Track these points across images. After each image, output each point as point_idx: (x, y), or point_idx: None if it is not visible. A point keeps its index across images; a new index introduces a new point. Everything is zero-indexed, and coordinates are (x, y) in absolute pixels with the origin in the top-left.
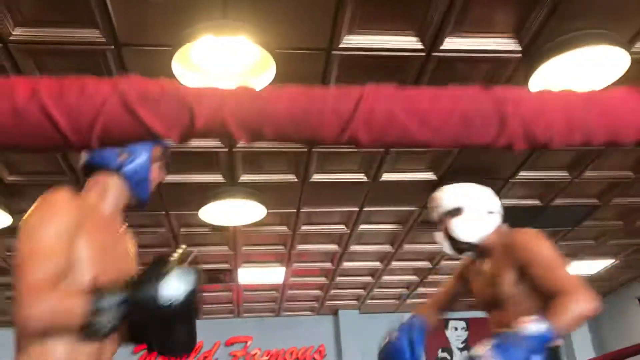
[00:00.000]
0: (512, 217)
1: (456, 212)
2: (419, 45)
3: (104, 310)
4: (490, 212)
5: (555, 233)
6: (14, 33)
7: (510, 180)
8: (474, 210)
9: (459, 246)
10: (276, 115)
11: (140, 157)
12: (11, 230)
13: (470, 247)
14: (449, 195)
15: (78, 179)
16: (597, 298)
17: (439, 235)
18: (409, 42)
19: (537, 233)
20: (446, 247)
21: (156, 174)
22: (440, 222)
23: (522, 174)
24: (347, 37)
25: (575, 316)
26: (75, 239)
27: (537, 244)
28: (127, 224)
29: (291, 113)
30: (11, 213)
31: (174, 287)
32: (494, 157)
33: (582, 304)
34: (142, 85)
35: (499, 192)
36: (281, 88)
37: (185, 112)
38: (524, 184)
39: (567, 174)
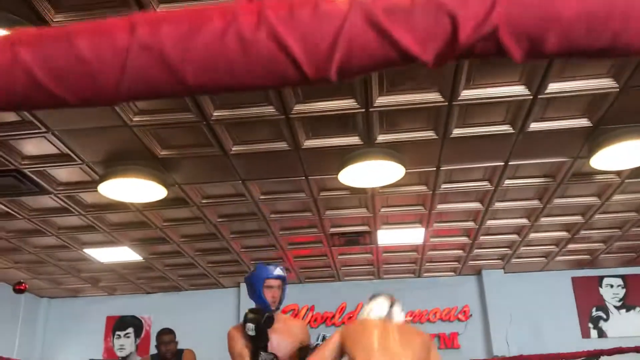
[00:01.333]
0: None
1: None
2: None
3: None
4: None
5: None
6: None
7: None
8: None
9: None
10: (564, 17)
11: None
12: (166, 202)
13: None
14: None
15: (225, 151)
16: None
17: None
18: None
19: None
20: None
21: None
22: None
23: None
24: None
25: None
26: None
27: None
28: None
29: (585, 13)
30: (165, 186)
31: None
32: None
33: None
34: None
35: None
36: None
37: (446, 22)
38: None
39: None
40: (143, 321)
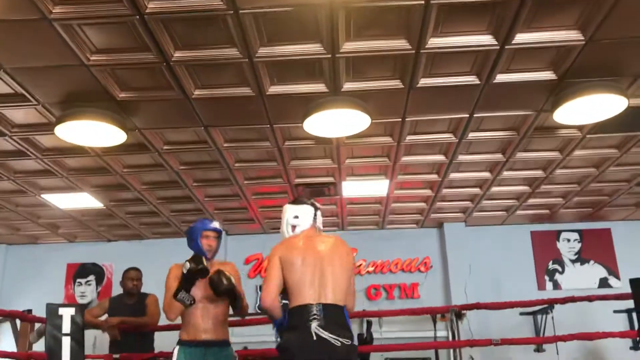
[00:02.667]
0: (639, 117)
1: None
2: None
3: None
4: None
5: None
6: None
7: None
8: None
9: None
10: None
11: None
12: (126, 147)
13: None
14: None
15: (187, 95)
16: None
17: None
18: None
19: None
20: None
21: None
22: None
23: None
24: None
25: None
26: None
27: None
28: None
29: None
30: (125, 130)
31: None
32: (624, 51)
33: None
34: None
35: (626, 91)
36: None
37: None
38: None
39: None
40: (104, 269)
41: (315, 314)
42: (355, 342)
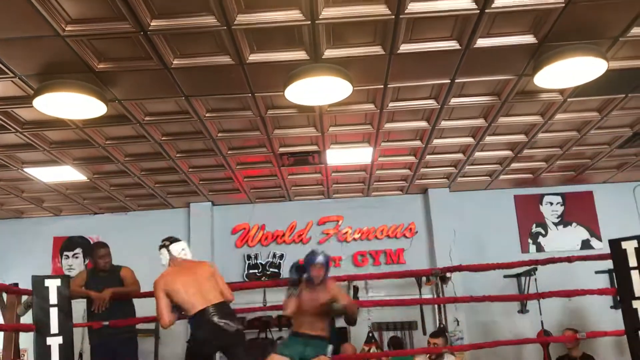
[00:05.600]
0: (620, 80)
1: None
2: None
3: None
4: None
5: None
6: None
7: (620, 39)
8: None
9: None
10: None
11: None
12: (107, 119)
13: None
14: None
15: (166, 64)
16: None
17: None
18: None
19: None
20: None
21: None
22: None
23: (635, 30)
24: None
25: None
26: None
27: None
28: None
29: None
30: (104, 101)
31: None
32: (603, 13)
33: None
34: None
35: (606, 54)
36: None
37: None
38: (635, 42)
39: None
40: (91, 241)
41: (213, 312)
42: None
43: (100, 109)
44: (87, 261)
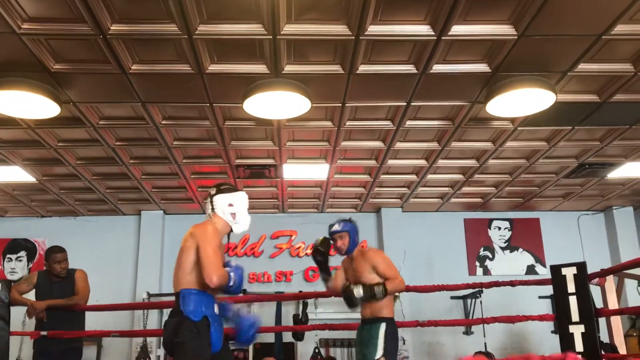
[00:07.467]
0: (567, 112)
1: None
2: None
3: None
4: None
5: (611, 131)
6: None
7: (568, 73)
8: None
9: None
10: None
11: None
12: (60, 121)
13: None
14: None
15: (123, 69)
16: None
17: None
18: None
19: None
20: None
21: None
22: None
23: (582, 66)
24: None
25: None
26: None
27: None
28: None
29: None
30: (58, 102)
31: None
32: (553, 47)
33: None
34: None
35: (555, 86)
36: None
37: None
38: (582, 77)
39: (632, 67)
40: (37, 245)
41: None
42: (189, 318)
43: (53, 110)
44: (30, 265)
